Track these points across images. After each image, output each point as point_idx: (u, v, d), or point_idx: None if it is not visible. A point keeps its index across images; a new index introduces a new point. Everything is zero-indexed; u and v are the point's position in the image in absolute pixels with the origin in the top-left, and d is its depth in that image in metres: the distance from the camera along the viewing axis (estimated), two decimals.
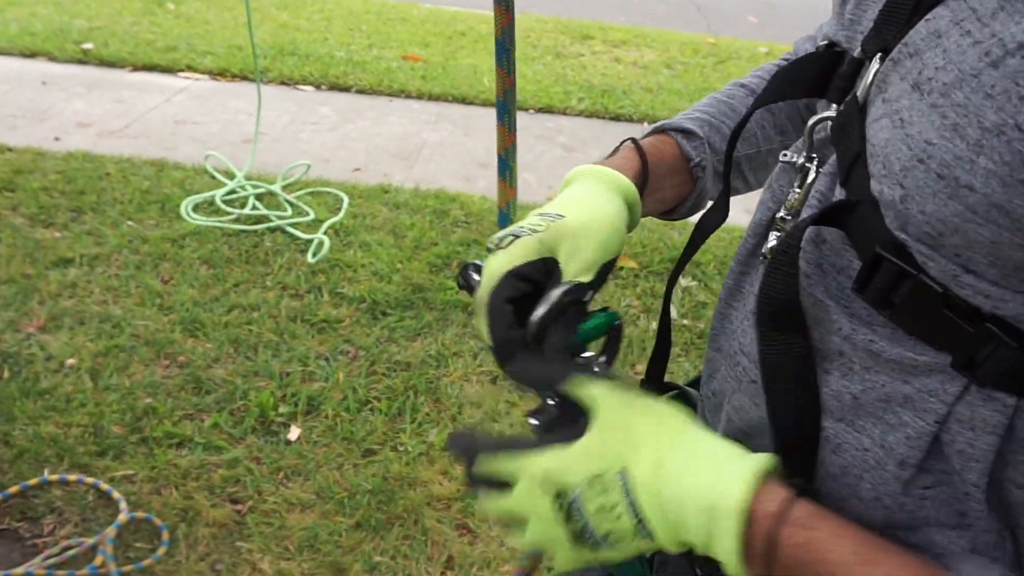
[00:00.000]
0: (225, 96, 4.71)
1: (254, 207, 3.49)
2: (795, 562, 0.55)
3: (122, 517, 2.06)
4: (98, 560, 1.97)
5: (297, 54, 5.32)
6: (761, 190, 0.75)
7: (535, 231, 0.71)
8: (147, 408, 2.42)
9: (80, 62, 4.93)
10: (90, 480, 2.16)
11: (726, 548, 0.56)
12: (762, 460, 0.58)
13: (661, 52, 6.23)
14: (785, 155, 0.68)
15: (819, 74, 0.68)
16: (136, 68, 4.96)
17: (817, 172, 0.65)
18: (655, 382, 0.88)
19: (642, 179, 0.81)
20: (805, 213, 0.64)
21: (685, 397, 0.88)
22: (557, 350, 0.67)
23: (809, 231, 0.60)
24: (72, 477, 2.16)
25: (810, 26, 0.97)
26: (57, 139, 3.99)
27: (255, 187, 3.62)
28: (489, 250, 0.73)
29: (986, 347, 0.51)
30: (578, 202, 0.75)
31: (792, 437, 0.62)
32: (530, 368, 0.67)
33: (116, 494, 2.13)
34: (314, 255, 3.19)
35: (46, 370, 2.52)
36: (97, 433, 2.32)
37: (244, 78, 4.94)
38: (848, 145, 0.60)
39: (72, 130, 4.12)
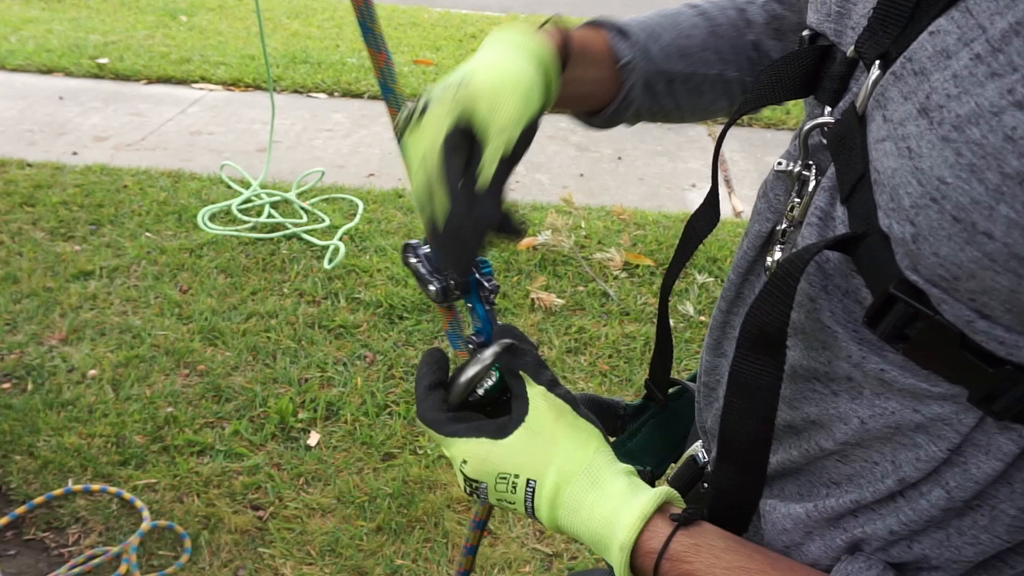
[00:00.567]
0: (239, 106, 4.75)
1: (270, 215, 3.51)
2: None
3: (145, 526, 2.08)
4: (122, 568, 1.99)
5: (309, 62, 5.35)
6: (756, 200, 0.72)
7: (442, 100, 0.67)
8: (168, 417, 2.44)
9: (96, 77, 4.99)
10: (113, 489, 2.19)
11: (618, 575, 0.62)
12: (654, 498, 0.62)
13: None
14: (780, 163, 0.65)
15: (807, 72, 0.64)
16: (151, 81, 5.00)
17: (816, 180, 0.62)
18: (657, 382, 0.88)
19: (562, 58, 0.74)
20: (806, 230, 0.61)
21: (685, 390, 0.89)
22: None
23: None
24: (96, 487, 2.19)
25: None
26: (75, 153, 4.03)
27: (270, 195, 3.64)
28: (400, 135, 0.70)
29: (1005, 385, 0.49)
30: (487, 65, 0.68)
31: (738, 450, 0.61)
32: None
33: (139, 503, 2.15)
34: (330, 261, 3.21)
35: (68, 381, 2.55)
36: (119, 443, 2.34)
37: (257, 87, 4.97)
38: (849, 162, 0.56)
39: (89, 144, 4.16)
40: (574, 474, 0.64)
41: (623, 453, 0.80)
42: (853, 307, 0.56)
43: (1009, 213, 0.44)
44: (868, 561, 0.59)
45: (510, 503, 0.66)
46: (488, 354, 0.68)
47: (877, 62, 0.55)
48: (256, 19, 3.63)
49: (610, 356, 2.83)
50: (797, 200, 0.63)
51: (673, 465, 0.85)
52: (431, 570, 2.06)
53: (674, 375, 0.88)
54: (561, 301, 3.06)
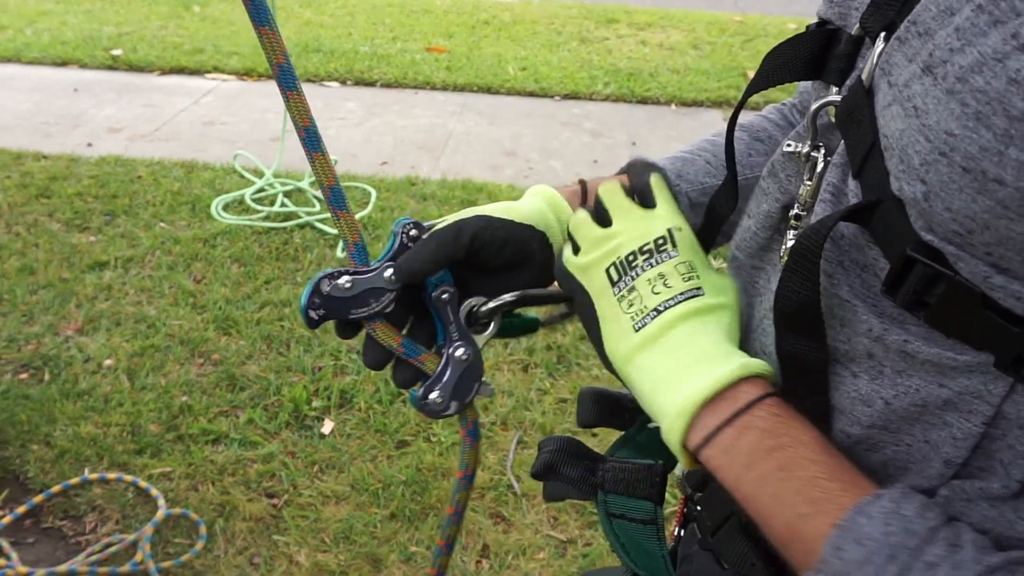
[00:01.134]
0: (252, 96, 4.75)
1: (283, 204, 3.52)
2: (761, 426, 0.56)
3: (159, 515, 2.09)
4: (138, 556, 2.00)
5: (322, 50, 5.34)
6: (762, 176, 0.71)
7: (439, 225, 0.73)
8: (183, 406, 2.45)
9: (110, 68, 5.01)
10: (129, 478, 2.20)
11: (691, 389, 0.58)
12: (765, 365, 0.60)
13: (687, 33, 6.15)
14: (789, 144, 0.65)
15: (813, 55, 0.64)
16: (164, 71, 5.02)
17: (826, 161, 0.62)
18: None
19: (580, 197, 0.79)
20: (819, 207, 0.60)
21: None
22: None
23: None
24: (112, 475, 2.20)
25: None
26: (90, 145, 4.05)
27: (283, 184, 3.65)
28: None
29: None
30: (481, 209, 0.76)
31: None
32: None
33: (154, 491, 2.16)
34: (343, 250, 3.21)
35: (85, 371, 2.56)
36: (135, 432, 2.36)
37: (270, 77, 4.94)
38: (859, 134, 0.56)
39: (104, 135, 4.18)
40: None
41: (632, 447, 0.78)
42: (871, 280, 0.56)
43: (1019, 156, 0.44)
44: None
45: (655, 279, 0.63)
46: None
47: (883, 34, 0.55)
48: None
49: None
50: (808, 182, 0.63)
51: None
52: None
53: None
54: None
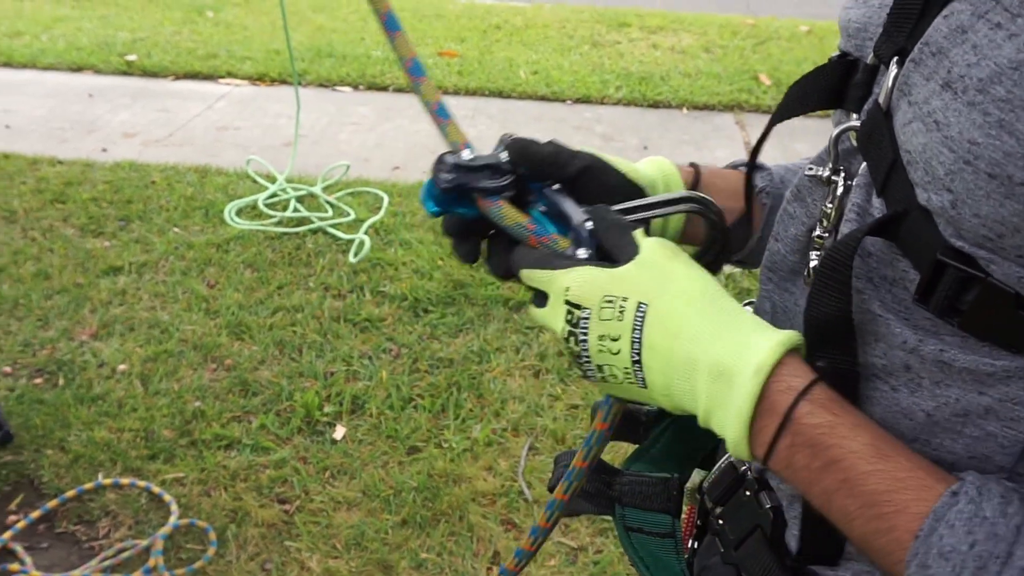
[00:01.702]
0: (265, 100, 4.77)
1: (295, 209, 3.53)
2: (808, 441, 0.55)
3: (166, 529, 2.09)
4: (151, 562, 2.01)
5: (334, 55, 5.36)
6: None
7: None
8: (196, 411, 2.46)
9: (124, 74, 5.04)
10: (142, 483, 2.21)
11: (733, 414, 0.55)
12: (790, 335, 0.57)
13: (699, 36, 6.14)
14: (811, 169, 0.66)
15: (833, 85, 0.66)
16: (178, 77, 5.05)
17: (846, 185, 0.63)
18: None
19: (693, 178, 0.80)
20: (844, 227, 0.61)
21: None
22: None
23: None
24: (125, 481, 2.22)
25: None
26: (104, 150, 4.08)
27: (296, 189, 3.66)
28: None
29: None
30: None
31: None
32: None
33: (167, 496, 2.17)
34: (355, 255, 3.22)
35: (98, 376, 2.58)
36: (148, 437, 2.37)
37: (283, 82, 4.99)
38: (880, 154, 0.57)
39: (118, 140, 4.21)
40: (694, 297, 0.59)
41: (646, 460, 0.78)
42: (901, 293, 0.56)
43: None
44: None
45: (613, 340, 0.59)
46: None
47: (895, 59, 0.57)
48: (281, 13, 3.64)
49: None
50: (830, 205, 0.64)
51: (702, 472, 0.82)
52: (456, 563, 2.06)
53: None
54: None
